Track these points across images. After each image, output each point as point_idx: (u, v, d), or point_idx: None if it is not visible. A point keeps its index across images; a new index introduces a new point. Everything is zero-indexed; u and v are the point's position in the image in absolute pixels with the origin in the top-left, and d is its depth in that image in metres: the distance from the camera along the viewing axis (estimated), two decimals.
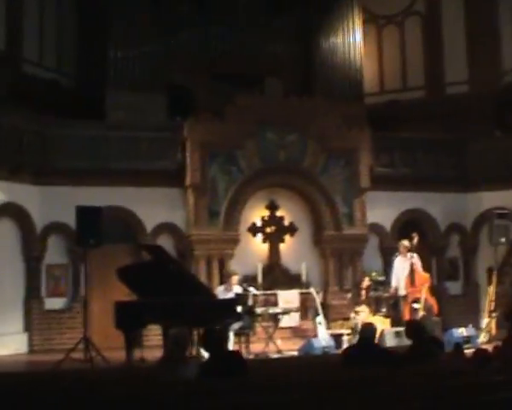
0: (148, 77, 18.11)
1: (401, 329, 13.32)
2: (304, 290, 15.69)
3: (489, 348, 8.46)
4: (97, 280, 14.71)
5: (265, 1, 19.86)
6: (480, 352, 6.48)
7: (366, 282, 14.82)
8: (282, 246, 17.07)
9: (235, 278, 13.81)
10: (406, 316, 14.34)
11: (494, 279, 14.78)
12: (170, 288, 11.39)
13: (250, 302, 13.62)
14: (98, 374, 9.66)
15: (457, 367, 6.99)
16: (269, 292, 15.45)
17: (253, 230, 16.90)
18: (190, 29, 19.09)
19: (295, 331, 15.77)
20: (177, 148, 16.29)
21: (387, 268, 16.55)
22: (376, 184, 17.37)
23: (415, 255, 14.86)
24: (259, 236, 16.95)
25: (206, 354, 8.15)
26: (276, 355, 12.48)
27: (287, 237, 17.11)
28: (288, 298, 15.71)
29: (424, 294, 14.22)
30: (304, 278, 16.37)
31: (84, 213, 12.16)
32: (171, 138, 16.45)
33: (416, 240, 15.03)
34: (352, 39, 20.08)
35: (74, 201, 14.60)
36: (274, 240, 16.99)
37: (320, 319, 13.62)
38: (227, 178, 16.28)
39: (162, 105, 17.88)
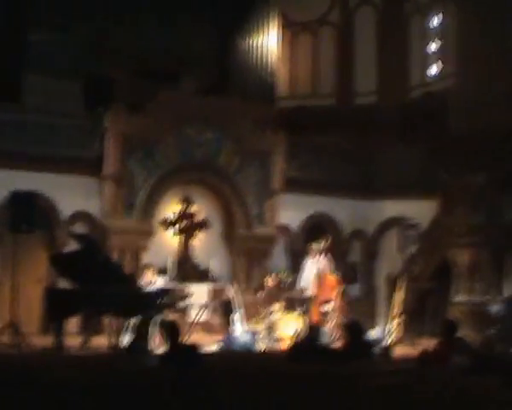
0: (67, 64, 17.98)
1: None
2: (218, 286, 15.97)
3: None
4: (10, 266, 14.46)
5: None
6: (424, 353, 6.95)
7: (270, 281, 15.13)
8: (193, 241, 17.31)
9: (150, 271, 13.97)
10: (314, 317, 14.79)
11: (399, 285, 15.43)
12: (98, 277, 11.50)
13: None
14: (34, 359, 9.63)
15: (399, 366, 7.45)
16: (181, 286, 15.59)
17: (166, 224, 17.07)
18: (110, 21, 19.01)
19: (203, 326, 15.99)
20: (96, 137, 16.28)
21: (294, 269, 17.01)
22: (286, 186, 17.86)
23: (325, 258, 15.36)
24: (172, 230, 17.14)
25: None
26: None
27: (198, 233, 17.37)
28: (199, 292, 15.91)
29: (335, 296, 14.74)
30: (213, 273, 16.71)
31: (18, 197, 12.02)
32: (89, 127, 16.41)
33: (326, 243, 15.53)
34: (267, 43, 20.52)
35: None
36: (186, 235, 17.22)
37: (237, 315, 13.88)
38: (145, 172, 16.39)
39: (79, 94, 17.81)
